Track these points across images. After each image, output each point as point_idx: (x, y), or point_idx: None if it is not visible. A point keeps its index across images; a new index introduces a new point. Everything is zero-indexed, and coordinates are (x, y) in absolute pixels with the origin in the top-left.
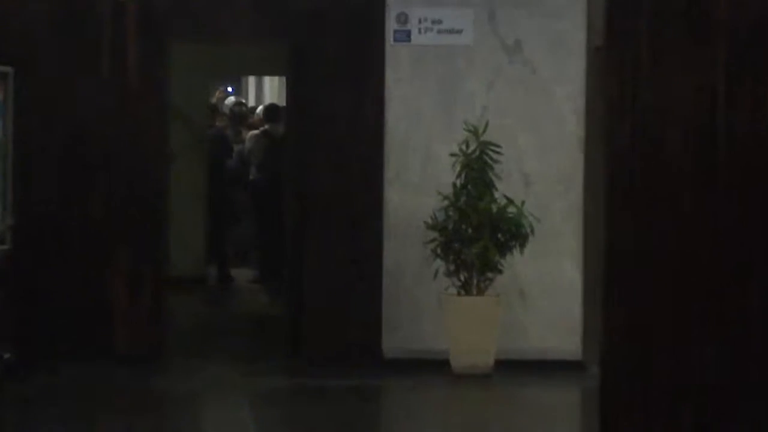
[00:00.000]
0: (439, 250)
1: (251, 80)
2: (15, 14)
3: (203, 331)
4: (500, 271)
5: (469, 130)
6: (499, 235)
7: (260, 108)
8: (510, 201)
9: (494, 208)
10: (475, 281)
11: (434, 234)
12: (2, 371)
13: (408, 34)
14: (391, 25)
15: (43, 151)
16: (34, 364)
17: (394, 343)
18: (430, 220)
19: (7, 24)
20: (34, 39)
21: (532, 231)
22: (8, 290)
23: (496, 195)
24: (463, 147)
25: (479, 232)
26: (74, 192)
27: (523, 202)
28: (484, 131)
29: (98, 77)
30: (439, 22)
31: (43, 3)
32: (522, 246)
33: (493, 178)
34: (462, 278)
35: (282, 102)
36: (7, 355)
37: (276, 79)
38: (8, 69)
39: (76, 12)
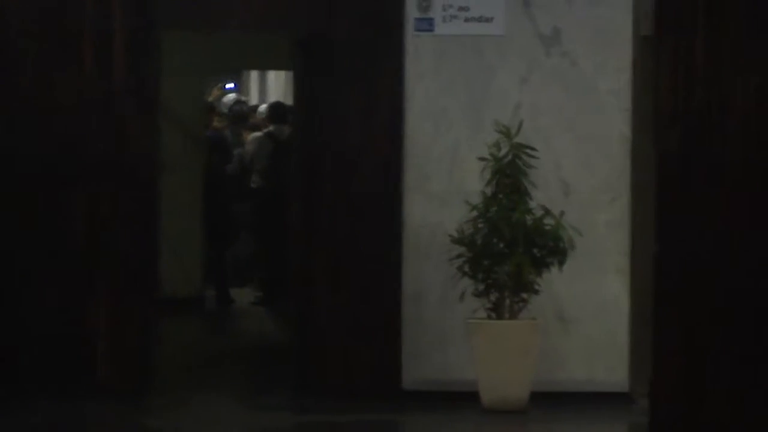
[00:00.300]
0: (466, 268)
1: (253, 75)
2: None
3: (200, 360)
4: (536, 292)
5: (501, 132)
6: (535, 251)
7: (263, 107)
8: (547, 211)
9: (529, 219)
10: (507, 303)
11: (461, 249)
12: None
13: (431, 22)
14: (411, 12)
15: (14, 157)
16: (9, 398)
17: (415, 373)
18: (456, 234)
19: None
20: (6, 30)
21: (572, 245)
22: None
23: (532, 205)
24: (494, 150)
25: (512, 247)
26: (52, 205)
27: (561, 213)
28: (518, 132)
29: (79, 72)
30: (466, 9)
31: None
32: (561, 263)
33: (528, 185)
34: (492, 300)
35: (288, 100)
36: None
37: (281, 74)
38: None
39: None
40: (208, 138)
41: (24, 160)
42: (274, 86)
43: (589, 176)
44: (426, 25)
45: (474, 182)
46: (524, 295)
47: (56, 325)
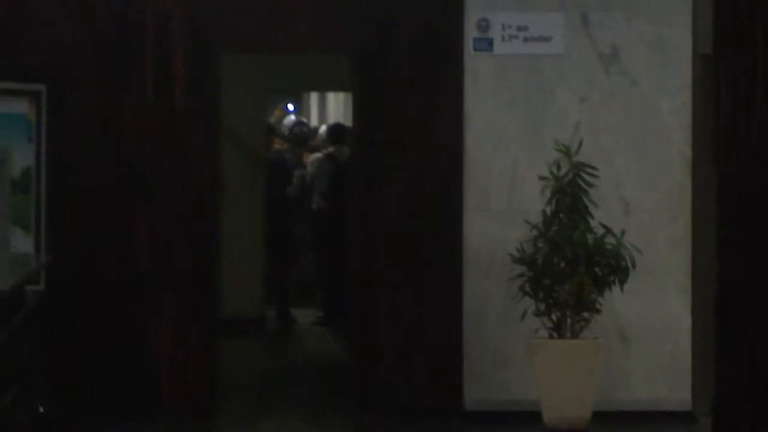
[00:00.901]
0: (527, 287)
1: (313, 97)
2: (49, 25)
3: (262, 381)
4: (598, 311)
5: (561, 151)
6: (596, 270)
7: (323, 128)
8: (608, 230)
9: (590, 238)
10: (569, 322)
11: (522, 269)
12: (38, 427)
13: (490, 42)
14: (470, 32)
15: (80, 179)
16: (73, 419)
17: (476, 393)
18: (516, 253)
19: (41, 36)
20: (70, 53)
21: (634, 264)
22: (42, 336)
23: (592, 224)
24: (554, 169)
25: (573, 267)
26: (116, 225)
27: (622, 232)
28: (578, 151)
29: (142, 95)
30: (525, 28)
31: (80, 13)
32: (622, 282)
33: (589, 204)
34: (554, 319)
35: (348, 122)
36: (42, 410)
37: (341, 95)
38: (41, 87)
39: (117, 23)
40: (269, 159)
41: (89, 181)
42: (333, 108)
43: (650, 195)
44: (485, 44)
45: (534, 201)
46: (586, 315)
47: (120, 346)
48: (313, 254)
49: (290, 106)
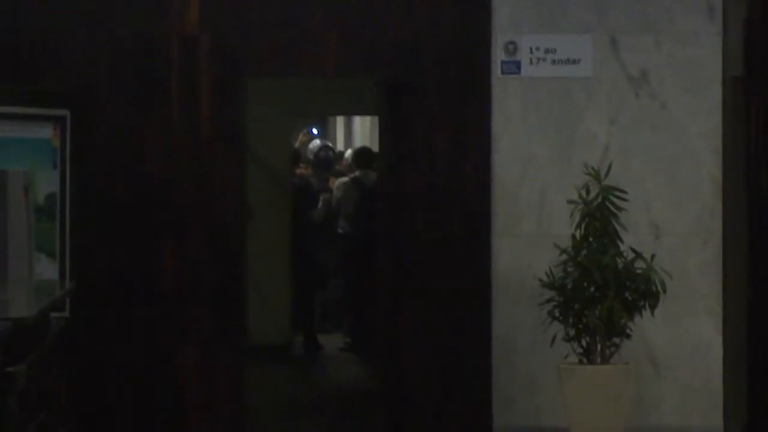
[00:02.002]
0: (556, 313)
1: (339, 121)
2: (72, 50)
3: (288, 408)
4: (628, 336)
5: (590, 174)
6: (627, 294)
7: (349, 152)
8: (638, 254)
9: (620, 263)
10: (599, 348)
11: (551, 293)
12: None
13: (518, 65)
14: (498, 55)
15: (105, 205)
16: None
17: (506, 419)
18: (545, 278)
19: (64, 61)
20: (94, 78)
21: (664, 289)
22: (66, 364)
23: (622, 248)
24: (583, 193)
25: (603, 291)
26: (141, 252)
27: (653, 256)
28: (607, 175)
29: (166, 121)
30: (554, 51)
31: (103, 37)
32: (653, 306)
33: (618, 228)
34: (584, 344)
35: (374, 146)
36: None
37: (367, 119)
38: (65, 112)
39: (141, 47)
40: (294, 184)
41: (114, 207)
42: (360, 131)
43: (680, 219)
44: (513, 67)
45: (563, 225)
46: (616, 340)
47: (146, 373)
48: (339, 279)
49: (314, 130)
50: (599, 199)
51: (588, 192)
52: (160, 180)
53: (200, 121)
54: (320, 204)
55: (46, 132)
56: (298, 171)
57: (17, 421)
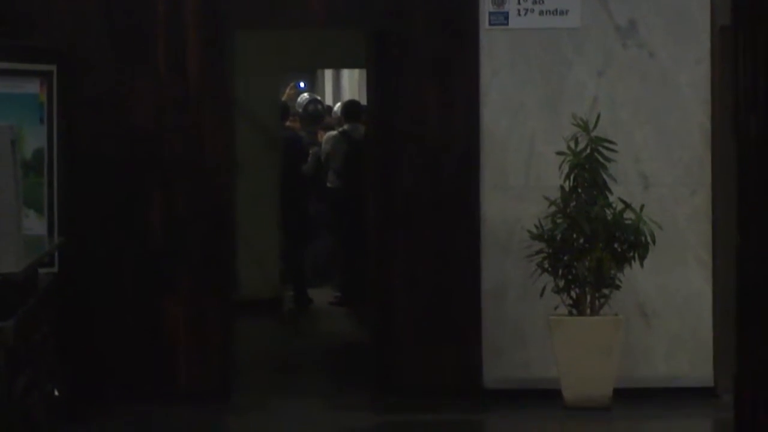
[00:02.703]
0: (546, 264)
1: (327, 74)
2: (60, 5)
3: (278, 362)
4: (618, 287)
5: (579, 125)
6: (616, 245)
7: (338, 105)
8: (627, 205)
9: (609, 214)
10: (588, 299)
11: (540, 245)
12: (52, 411)
13: (506, 16)
14: (485, 6)
15: (92, 160)
16: (88, 402)
17: (496, 372)
18: (535, 230)
19: (51, 16)
20: (80, 33)
21: (653, 240)
22: (56, 319)
23: (611, 199)
24: (572, 145)
25: (592, 242)
26: (129, 206)
27: (642, 207)
28: (596, 126)
29: (155, 75)
30: (541, 1)
31: None
32: (642, 257)
33: (607, 179)
34: (573, 296)
35: (363, 99)
36: (57, 393)
37: (355, 72)
38: (52, 67)
39: (128, 2)
40: (283, 138)
41: (102, 163)
42: (348, 85)
43: (669, 169)
44: (501, 19)
45: (552, 177)
46: (605, 291)
47: (136, 326)
48: (329, 233)
49: (302, 84)
50: (588, 151)
51: (577, 143)
52: (147, 135)
53: (188, 76)
54: (309, 158)
55: (33, 87)
56: (287, 124)
57: (5, 377)
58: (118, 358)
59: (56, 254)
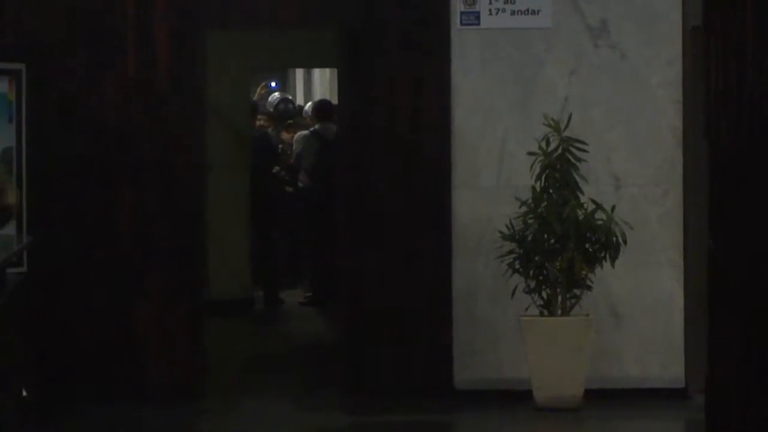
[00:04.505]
0: (517, 265)
1: (299, 74)
2: (28, 3)
3: (249, 362)
4: (589, 288)
5: (550, 125)
6: (587, 246)
7: (309, 105)
8: (598, 206)
9: (580, 214)
10: (559, 300)
11: (511, 246)
12: (21, 412)
13: (477, 16)
14: (457, 6)
15: (61, 159)
16: (57, 403)
17: (467, 372)
18: (506, 230)
19: (20, 14)
20: (50, 31)
21: (624, 240)
22: (25, 319)
23: (582, 199)
24: (543, 145)
25: (563, 243)
26: (98, 206)
27: (613, 207)
28: (567, 126)
29: (123, 74)
30: (512, 1)
31: None
32: (613, 258)
33: (579, 179)
34: (545, 296)
35: (334, 98)
36: (25, 393)
37: (326, 72)
38: (20, 66)
39: (97, 0)
40: (252, 137)
41: (71, 162)
42: (319, 84)
43: (641, 169)
44: (472, 18)
45: (523, 177)
46: (576, 291)
47: (105, 327)
48: (300, 233)
49: (273, 83)
50: (559, 151)
51: (548, 143)
52: (117, 134)
53: (157, 74)
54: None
55: (2, 86)
56: (258, 123)
57: None
58: (88, 359)
59: (25, 254)
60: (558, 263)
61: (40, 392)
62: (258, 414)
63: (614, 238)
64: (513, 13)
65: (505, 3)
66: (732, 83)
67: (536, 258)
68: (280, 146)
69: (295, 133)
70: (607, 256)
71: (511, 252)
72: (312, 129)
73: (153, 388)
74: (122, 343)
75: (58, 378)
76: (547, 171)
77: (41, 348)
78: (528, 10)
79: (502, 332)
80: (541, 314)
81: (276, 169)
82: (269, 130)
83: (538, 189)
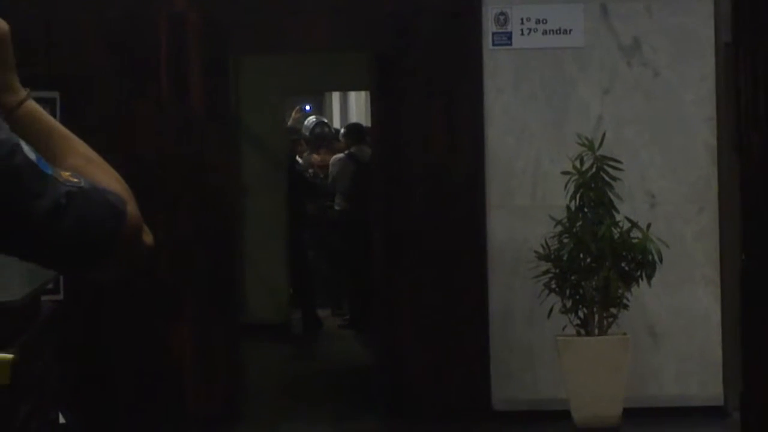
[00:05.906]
0: (553, 284)
1: (335, 97)
2: (62, 31)
3: (287, 386)
4: (626, 306)
5: (584, 144)
6: (623, 265)
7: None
8: (634, 224)
9: (616, 233)
10: (596, 319)
11: (547, 266)
12: None
13: (509, 36)
14: (489, 27)
15: None
16: (95, 429)
17: (505, 393)
18: (541, 250)
19: (54, 43)
20: (83, 59)
21: (661, 258)
22: (62, 346)
23: (618, 218)
24: (577, 164)
25: (599, 262)
26: None
27: (648, 226)
28: (601, 145)
29: (158, 100)
30: (545, 21)
31: (93, 17)
32: (649, 276)
33: (614, 198)
34: (581, 316)
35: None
36: (63, 421)
37: (362, 95)
38: (55, 94)
39: (130, 27)
40: (288, 163)
41: None
42: (355, 108)
43: (675, 187)
44: (504, 39)
45: (558, 197)
46: (613, 310)
47: (142, 353)
48: (337, 256)
49: (307, 107)
50: (594, 170)
51: (582, 162)
52: (152, 160)
53: (191, 100)
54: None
55: None
56: (299, 149)
57: (6, 406)
58: (125, 384)
59: (61, 281)
60: (594, 282)
61: (77, 419)
62: None
63: (650, 257)
64: (545, 33)
65: (537, 23)
66: (761, 98)
67: (572, 277)
68: (310, 171)
69: (325, 156)
70: (643, 274)
71: (546, 272)
72: (347, 152)
73: (191, 414)
74: (160, 367)
75: (97, 403)
76: (581, 190)
77: (79, 374)
78: (560, 29)
79: (539, 352)
80: (578, 334)
81: (311, 207)
82: (305, 154)
83: (572, 208)
